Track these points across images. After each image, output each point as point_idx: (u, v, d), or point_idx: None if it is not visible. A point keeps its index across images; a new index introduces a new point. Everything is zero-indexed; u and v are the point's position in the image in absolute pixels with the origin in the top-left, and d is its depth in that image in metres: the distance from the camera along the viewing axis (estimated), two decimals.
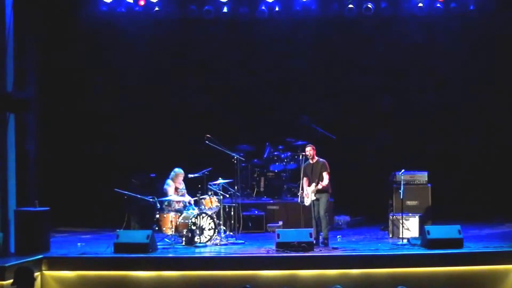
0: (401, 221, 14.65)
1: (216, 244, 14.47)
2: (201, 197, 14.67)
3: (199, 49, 17.94)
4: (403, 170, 14.98)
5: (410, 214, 15.02)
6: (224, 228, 15.01)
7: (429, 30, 17.50)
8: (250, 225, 16.23)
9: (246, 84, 18.03)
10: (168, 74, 18.06)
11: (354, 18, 17.19)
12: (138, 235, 13.91)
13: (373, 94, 17.85)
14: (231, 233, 15.12)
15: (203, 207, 14.59)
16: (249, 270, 13.13)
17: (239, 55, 17.98)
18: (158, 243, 14.17)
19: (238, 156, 15.61)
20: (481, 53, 17.43)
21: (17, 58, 14.66)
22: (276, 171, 17.42)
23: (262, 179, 17.44)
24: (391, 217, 15.08)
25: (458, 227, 13.78)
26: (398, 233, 14.66)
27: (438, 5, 16.91)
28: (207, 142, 15.23)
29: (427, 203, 15.71)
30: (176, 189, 15.05)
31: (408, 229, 14.75)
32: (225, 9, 17.14)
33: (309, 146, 14.62)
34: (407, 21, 17.35)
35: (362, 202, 17.00)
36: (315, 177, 14.31)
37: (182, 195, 15.07)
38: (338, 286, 10.17)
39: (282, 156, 17.40)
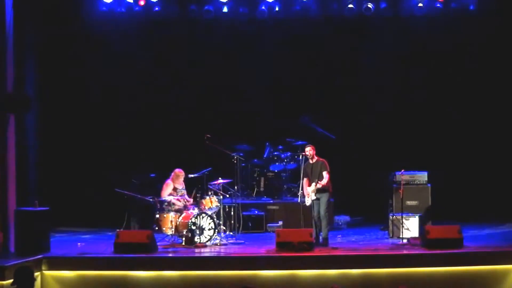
0: (401, 221, 14.66)
1: (216, 244, 14.48)
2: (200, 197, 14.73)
3: (199, 49, 17.92)
4: (403, 170, 15.00)
5: (410, 214, 15.04)
6: (224, 228, 15.03)
7: (429, 30, 17.49)
8: (250, 225, 16.24)
9: (246, 84, 18.03)
10: (168, 74, 18.07)
11: (354, 18, 17.19)
12: (138, 235, 13.91)
13: (373, 94, 17.84)
14: (231, 233, 15.14)
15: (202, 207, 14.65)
16: (249, 270, 13.13)
17: (239, 54, 17.96)
18: (158, 243, 14.17)
19: (238, 156, 15.62)
20: (481, 53, 17.43)
21: (17, 58, 14.68)
22: (276, 171, 17.42)
23: (262, 179, 17.44)
24: (391, 217, 15.08)
25: (458, 227, 13.79)
26: (398, 233, 14.68)
27: (438, 5, 16.92)
28: (207, 142, 15.24)
29: (427, 203, 15.72)
30: (175, 189, 15.05)
31: (408, 229, 14.76)
32: (225, 9, 17.16)
33: (309, 146, 14.63)
34: (407, 21, 17.34)
35: (362, 202, 16.99)
36: (315, 177, 14.31)
37: (182, 196, 15.07)
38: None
39: (282, 156, 17.40)
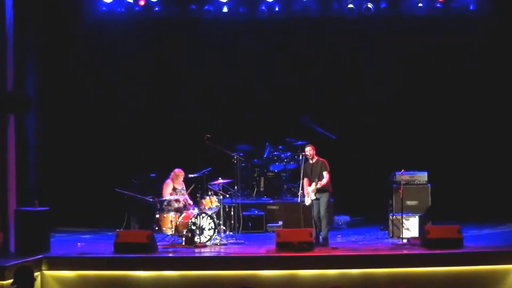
0: (401, 221, 14.66)
1: (216, 244, 14.48)
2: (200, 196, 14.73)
3: (199, 49, 17.92)
4: (403, 170, 15.01)
5: (410, 214, 15.04)
6: (224, 228, 15.03)
7: (429, 30, 17.49)
8: (250, 225, 16.24)
9: (246, 83, 18.03)
10: (168, 74, 18.07)
11: (354, 18, 17.18)
12: (138, 235, 13.91)
13: (373, 94, 17.84)
14: (231, 233, 15.14)
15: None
16: (249, 270, 13.13)
17: (239, 54, 17.96)
18: (158, 243, 14.17)
19: (238, 156, 15.62)
20: (481, 53, 17.43)
21: (17, 58, 14.68)
22: (276, 171, 17.42)
23: (262, 179, 17.43)
24: (391, 217, 15.08)
25: (458, 227, 13.79)
26: (398, 233, 14.68)
27: (438, 5, 16.93)
28: (207, 142, 15.24)
29: (427, 203, 15.72)
30: (175, 189, 15.04)
31: (408, 229, 14.76)
32: (225, 9, 17.16)
33: (309, 146, 14.63)
34: (407, 21, 17.34)
35: (362, 202, 16.99)
36: (315, 177, 14.32)
37: (181, 196, 15.06)
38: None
39: (282, 156, 17.41)
